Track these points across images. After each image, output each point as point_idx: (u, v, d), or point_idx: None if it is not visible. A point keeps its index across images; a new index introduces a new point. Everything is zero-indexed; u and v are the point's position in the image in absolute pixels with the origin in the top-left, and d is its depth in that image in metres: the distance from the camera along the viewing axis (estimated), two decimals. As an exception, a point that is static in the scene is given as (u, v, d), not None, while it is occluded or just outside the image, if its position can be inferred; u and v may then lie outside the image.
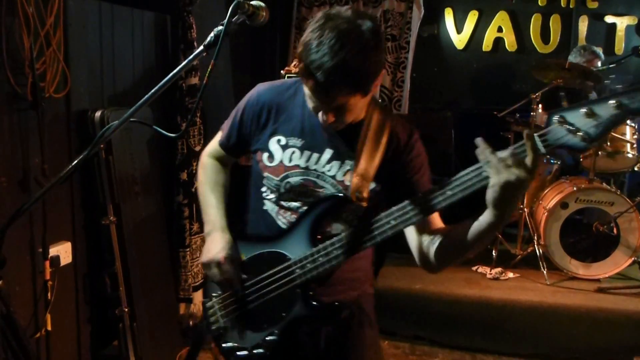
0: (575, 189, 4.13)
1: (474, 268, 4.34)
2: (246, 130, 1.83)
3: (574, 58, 4.86)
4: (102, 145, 2.80)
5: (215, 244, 1.81)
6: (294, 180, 1.74)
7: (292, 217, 1.76)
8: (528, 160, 1.31)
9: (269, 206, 1.81)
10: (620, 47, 5.50)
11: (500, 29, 5.67)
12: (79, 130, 2.82)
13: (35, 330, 2.57)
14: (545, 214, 4.19)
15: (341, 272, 1.72)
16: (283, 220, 1.78)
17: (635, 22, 5.45)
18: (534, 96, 4.40)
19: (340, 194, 1.69)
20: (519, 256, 4.39)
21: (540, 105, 4.51)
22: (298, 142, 1.74)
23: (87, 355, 2.94)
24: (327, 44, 1.45)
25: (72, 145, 2.78)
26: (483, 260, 4.37)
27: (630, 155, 4.31)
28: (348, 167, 1.70)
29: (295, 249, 1.69)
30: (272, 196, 1.79)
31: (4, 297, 2.19)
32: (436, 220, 1.71)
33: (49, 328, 2.60)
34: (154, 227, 3.32)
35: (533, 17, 5.59)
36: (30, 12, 2.40)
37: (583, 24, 5.53)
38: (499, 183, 1.32)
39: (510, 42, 5.67)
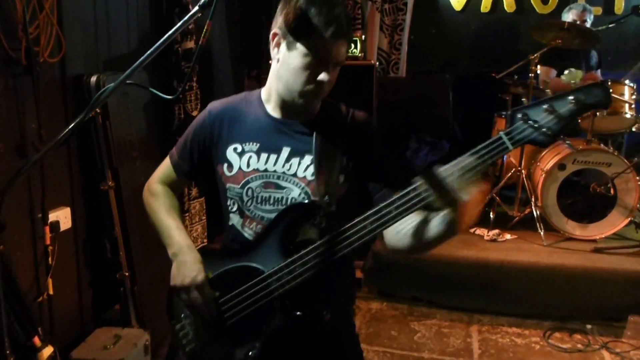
0: (572, 150, 4.13)
1: (472, 230, 4.36)
2: (200, 148, 1.81)
3: (565, 18, 4.80)
4: (98, 110, 2.79)
5: (189, 266, 1.72)
6: (255, 184, 1.69)
7: (258, 227, 1.70)
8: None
9: (234, 219, 1.75)
10: (620, 6, 5.44)
11: (498, -10, 5.60)
12: (75, 96, 2.80)
13: (37, 294, 2.60)
14: (543, 175, 4.20)
15: (319, 285, 1.65)
16: (249, 231, 1.72)
17: (636, -20, 5.38)
18: (533, 57, 4.36)
19: (307, 202, 1.64)
20: (517, 218, 4.42)
21: (538, 66, 4.48)
22: (254, 146, 1.70)
23: (90, 318, 2.98)
24: (326, 5, 1.51)
25: (68, 111, 2.76)
26: (481, 222, 4.39)
27: (628, 116, 4.30)
28: (308, 162, 1.66)
29: (268, 262, 1.63)
30: (235, 207, 1.73)
31: (5, 261, 2.21)
32: None
33: (51, 292, 2.63)
34: (153, 192, 3.31)
35: (532, -24, 5.51)
36: (21, -25, 2.36)
37: (582, -16, 5.47)
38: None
39: (508, 2, 5.60)
